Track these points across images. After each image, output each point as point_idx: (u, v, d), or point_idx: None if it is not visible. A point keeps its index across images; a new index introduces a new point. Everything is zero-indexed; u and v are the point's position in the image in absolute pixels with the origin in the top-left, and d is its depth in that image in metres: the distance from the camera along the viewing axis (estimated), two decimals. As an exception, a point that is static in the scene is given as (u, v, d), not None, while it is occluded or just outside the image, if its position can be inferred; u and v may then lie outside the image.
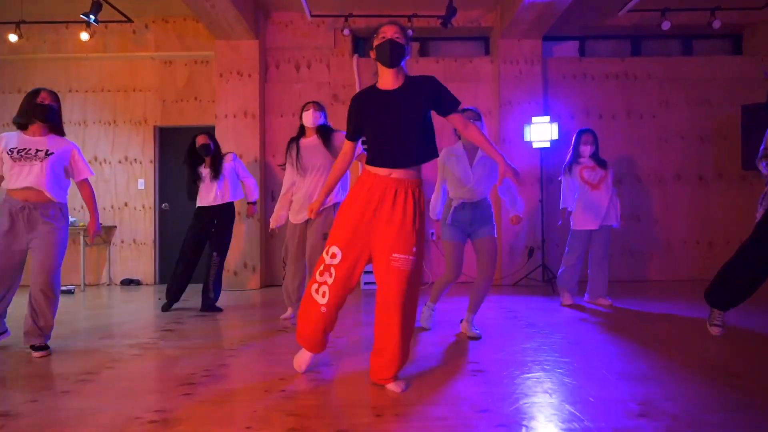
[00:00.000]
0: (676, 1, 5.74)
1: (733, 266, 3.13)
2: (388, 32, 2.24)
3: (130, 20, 6.12)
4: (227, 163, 4.45)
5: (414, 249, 2.20)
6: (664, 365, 2.56)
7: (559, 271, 4.53)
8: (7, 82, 6.48)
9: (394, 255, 2.18)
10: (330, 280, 2.27)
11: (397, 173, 2.23)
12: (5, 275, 2.91)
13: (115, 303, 4.99)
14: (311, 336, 2.37)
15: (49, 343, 2.99)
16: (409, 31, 5.84)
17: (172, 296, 4.42)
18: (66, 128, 6.18)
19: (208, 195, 4.37)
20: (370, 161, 2.28)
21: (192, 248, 4.41)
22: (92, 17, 5.17)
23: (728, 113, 6.19)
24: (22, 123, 3.01)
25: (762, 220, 3.08)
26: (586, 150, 4.40)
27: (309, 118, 3.75)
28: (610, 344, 3.03)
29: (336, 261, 2.26)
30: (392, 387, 2.20)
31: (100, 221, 6.18)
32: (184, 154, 4.56)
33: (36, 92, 2.98)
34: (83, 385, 2.35)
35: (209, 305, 4.35)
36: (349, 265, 2.25)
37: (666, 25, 5.73)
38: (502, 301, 4.77)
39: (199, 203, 4.45)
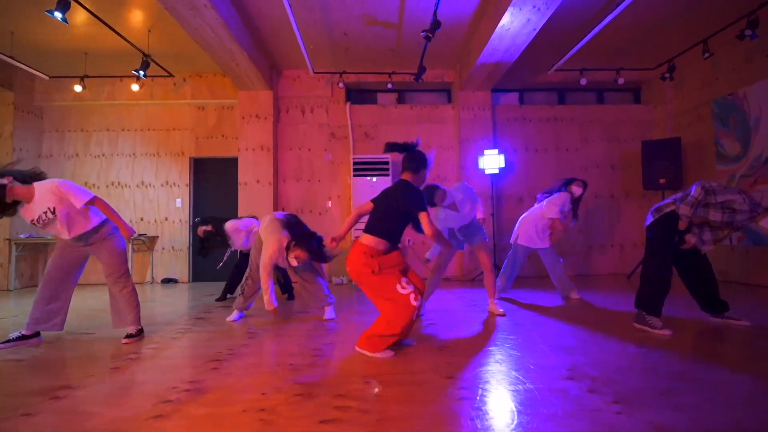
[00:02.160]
0: (591, 63, 5.91)
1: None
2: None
3: (171, 75, 6.10)
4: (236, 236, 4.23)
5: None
6: (588, 339, 2.59)
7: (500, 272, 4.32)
8: (72, 123, 6.38)
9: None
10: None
11: None
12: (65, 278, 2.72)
13: (158, 297, 4.88)
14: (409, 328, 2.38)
15: (108, 330, 2.91)
16: (389, 84, 5.95)
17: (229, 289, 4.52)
18: (118, 159, 6.29)
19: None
20: None
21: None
22: (141, 72, 5.13)
23: (632, 147, 6.36)
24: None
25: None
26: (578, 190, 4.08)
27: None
28: (546, 325, 3.05)
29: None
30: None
31: (145, 233, 6.15)
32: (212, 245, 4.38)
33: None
34: (132, 362, 2.30)
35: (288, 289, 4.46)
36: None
37: (583, 81, 5.88)
38: (464, 293, 4.78)
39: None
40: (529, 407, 1.62)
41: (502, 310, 3.43)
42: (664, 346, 2.41)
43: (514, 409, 1.61)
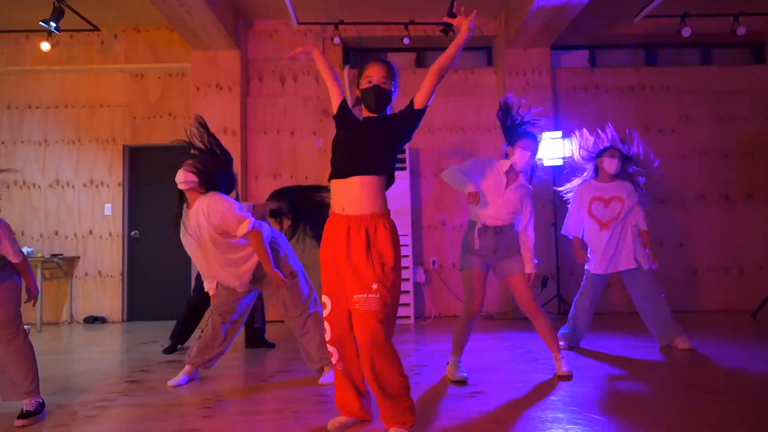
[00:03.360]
0: (696, 6, 5.67)
1: None
2: (374, 76, 2.24)
3: (97, 29, 5.92)
4: None
5: (373, 285, 2.07)
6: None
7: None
8: (-42, 97, 6.24)
9: (354, 296, 2.10)
10: (327, 335, 2.25)
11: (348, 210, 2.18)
12: None
13: (76, 346, 4.68)
14: (341, 399, 2.32)
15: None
16: (405, 39, 5.76)
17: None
18: (23, 148, 6.13)
19: None
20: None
21: None
22: (53, 25, 4.97)
23: (754, 127, 6.11)
24: None
25: None
26: (613, 165, 3.84)
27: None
28: (653, 396, 2.77)
29: (327, 311, 2.26)
30: None
31: (61, 253, 5.96)
32: None
33: None
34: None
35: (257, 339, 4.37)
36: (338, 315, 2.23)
37: (687, 32, 5.65)
38: (516, 338, 4.52)
39: None
40: None
41: (567, 370, 3.13)
42: None
43: None
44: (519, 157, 3.11)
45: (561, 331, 4.01)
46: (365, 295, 2.05)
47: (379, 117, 2.30)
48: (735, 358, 3.58)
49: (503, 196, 3.11)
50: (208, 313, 3.38)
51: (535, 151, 3.17)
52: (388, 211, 2.22)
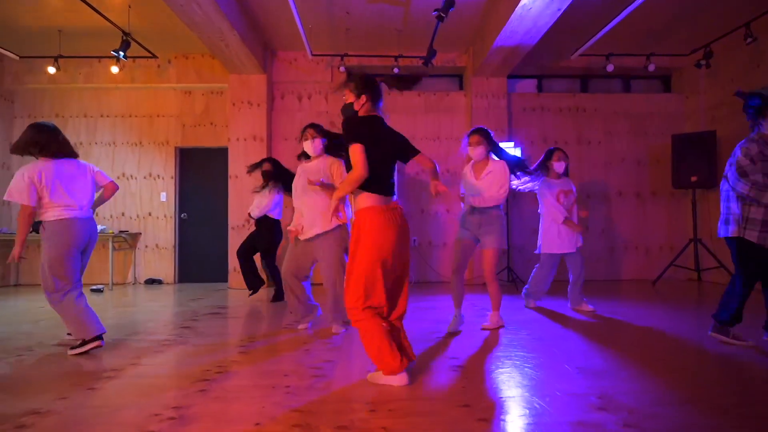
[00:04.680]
0: (618, 48, 5.78)
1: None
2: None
3: (154, 56, 5.98)
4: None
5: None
6: (618, 360, 2.51)
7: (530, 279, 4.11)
8: (46, 108, 6.27)
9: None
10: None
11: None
12: None
13: (140, 301, 4.81)
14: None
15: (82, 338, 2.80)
16: (395, 69, 5.84)
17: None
18: (97, 149, 6.21)
19: None
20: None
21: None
22: (121, 53, 5.01)
23: (660, 141, 6.25)
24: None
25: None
26: (561, 166, 3.89)
27: (309, 148, 3.25)
28: (570, 340, 2.97)
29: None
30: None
31: (127, 230, 6.07)
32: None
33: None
34: (109, 382, 2.21)
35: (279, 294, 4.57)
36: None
37: (610, 68, 5.75)
38: (474, 299, 4.69)
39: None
40: (559, 446, 1.53)
41: (489, 324, 3.26)
42: (705, 372, 2.32)
43: (542, 448, 1.52)
44: (472, 151, 3.27)
45: (523, 291, 4.18)
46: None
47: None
48: (632, 314, 3.79)
49: (477, 185, 3.21)
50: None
51: (487, 142, 3.22)
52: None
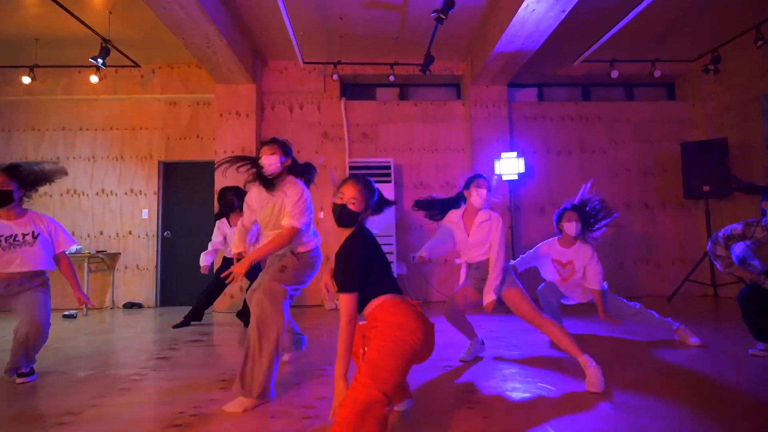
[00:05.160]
0: (622, 53, 5.64)
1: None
2: (345, 195, 1.86)
3: (137, 65, 5.74)
4: None
5: None
6: (654, 392, 2.21)
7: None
8: (21, 121, 5.97)
9: None
10: None
11: None
12: None
13: (116, 327, 4.45)
14: None
15: (43, 369, 2.55)
16: (391, 77, 5.64)
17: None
18: (76, 163, 5.89)
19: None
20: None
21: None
22: (100, 61, 4.75)
23: (668, 149, 6.08)
24: None
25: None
26: (571, 228, 3.22)
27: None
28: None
29: None
30: None
31: (105, 249, 5.73)
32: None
33: None
34: (62, 430, 1.88)
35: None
36: None
37: (614, 74, 5.58)
38: (481, 321, 4.40)
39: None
40: None
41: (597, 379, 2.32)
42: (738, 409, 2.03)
43: None
44: (476, 195, 2.73)
45: None
46: None
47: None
48: (651, 333, 3.51)
49: (469, 240, 2.76)
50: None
51: (489, 187, 2.77)
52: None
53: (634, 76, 6.08)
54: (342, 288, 1.77)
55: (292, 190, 2.43)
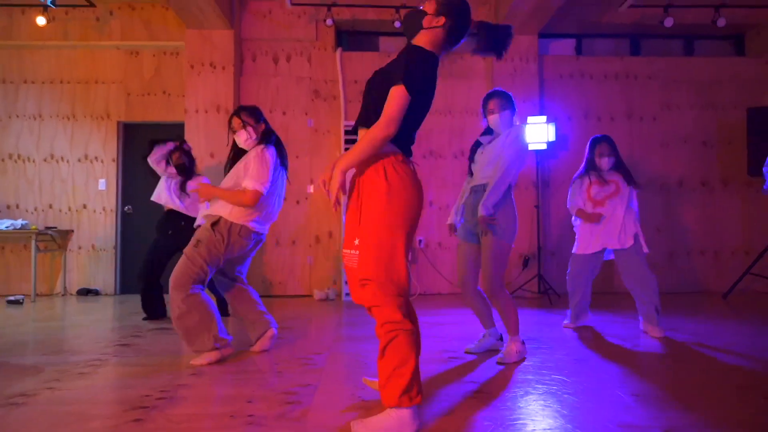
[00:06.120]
0: (680, -2, 5.71)
1: None
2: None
3: (92, 5, 5.89)
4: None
5: (355, 242, 1.88)
6: (683, 387, 2.39)
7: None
8: (-47, 71, 6.17)
9: (343, 250, 1.95)
10: None
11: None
12: None
13: (69, 315, 4.69)
14: None
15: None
16: (396, 23, 5.76)
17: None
18: (19, 122, 6.10)
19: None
20: None
21: None
22: (49, 0, 4.91)
23: (733, 116, 6.16)
24: None
25: None
26: (604, 162, 3.78)
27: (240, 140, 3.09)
28: (620, 362, 2.86)
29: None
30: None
31: (55, 226, 5.96)
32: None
33: None
34: (15, 410, 2.09)
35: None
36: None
37: (669, 23, 5.67)
38: (497, 314, 4.58)
39: None
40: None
41: (515, 358, 2.86)
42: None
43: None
44: (492, 120, 3.06)
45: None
46: (349, 251, 1.90)
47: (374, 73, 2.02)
48: (696, 331, 3.68)
49: (482, 155, 3.06)
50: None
51: (505, 107, 3.03)
52: (391, 155, 1.91)
53: (694, 26, 6.15)
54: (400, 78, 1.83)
55: (261, 152, 2.95)
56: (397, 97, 1.83)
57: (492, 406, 2.12)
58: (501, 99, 3.06)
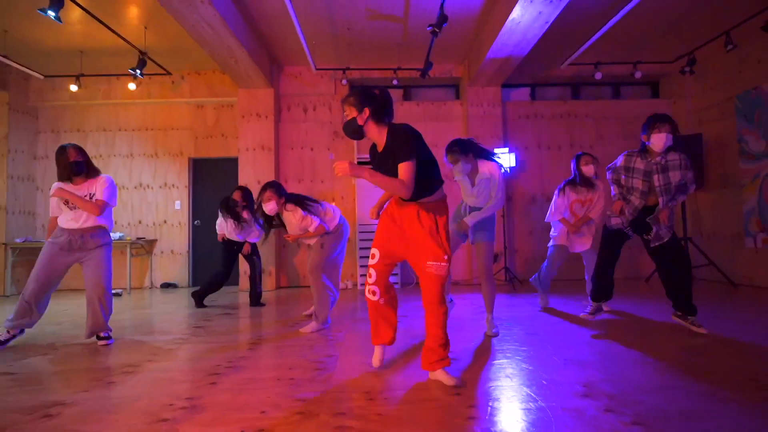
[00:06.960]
0: (606, 56, 5.83)
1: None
2: (346, 110, 2.14)
3: (168, 73, 6.12)
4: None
5: (445, 256, 2.06)
6: (604, 351, 2.54)
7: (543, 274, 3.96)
8: (68, 123, 6.42)
9: (428, 262, 2.06)
10: (372, 278, 2.21)
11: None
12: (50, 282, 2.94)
13: (155, 303, 4.89)
14: (377, 331, 2.31)
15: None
16: (394, 81, 5.93)
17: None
18: (115, 160, 6.33)
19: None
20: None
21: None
22: (138, 71, 5.15)
23: (650, 144, 6.25)
24: (66, 178, 2.99)
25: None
26: (588, 170, 3.69)
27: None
28: (562, 335, 3.00)
29: (374, 261, 2.21)
30: (439, 376, 2.07)
31: (144, 236, 6.18)
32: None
33: (63, 150, 2.94)
34: (127, 377, 2.29)
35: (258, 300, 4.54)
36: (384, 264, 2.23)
37: (598, 75, 5.80)
38: (473, 298, 4.74)
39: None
40: (541, 428, 1.58)
41: (496, 331, 3.02)
42: (684, 363, 2.35)
43: (526, 430, 1.57)
44: (483, 168, 2.96)
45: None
46: (437, 263, 2.04)
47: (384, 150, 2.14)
48: (619, 307, 3.81)
49: (473, 191, 3.01)
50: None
51: (493, 164, 2.99)
52: (445, 198, 2.20)
53: (619, 76, 6.26)
54: (407, 156, 1.99)
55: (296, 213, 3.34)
56: (406, 171, 2.00)
57: (463, 369, 2.29)
58: (461, 147, 2.96)
